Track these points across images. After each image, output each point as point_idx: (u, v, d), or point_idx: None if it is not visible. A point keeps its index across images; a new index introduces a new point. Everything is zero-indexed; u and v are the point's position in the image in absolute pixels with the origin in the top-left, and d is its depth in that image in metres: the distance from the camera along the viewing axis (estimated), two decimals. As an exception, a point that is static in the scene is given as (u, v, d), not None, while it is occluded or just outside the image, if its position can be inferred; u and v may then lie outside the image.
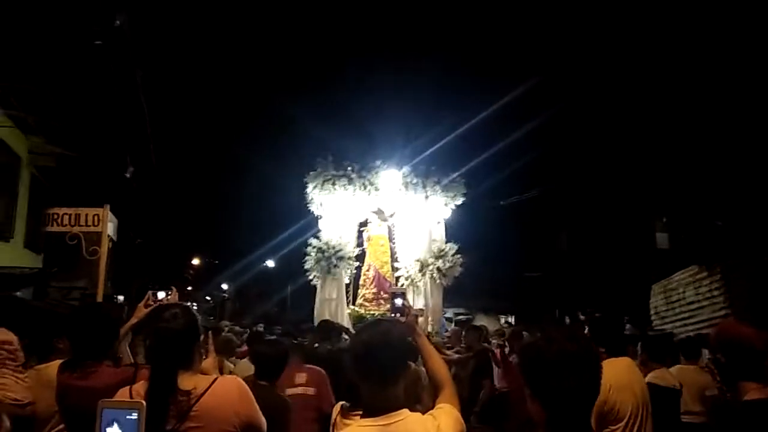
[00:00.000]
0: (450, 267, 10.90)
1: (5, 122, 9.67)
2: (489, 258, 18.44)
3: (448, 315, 12.90)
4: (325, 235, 11.08)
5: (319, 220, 11.51)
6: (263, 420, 2.54)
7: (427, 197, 11.15)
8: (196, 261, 38.02)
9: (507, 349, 7.82)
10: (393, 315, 2.60)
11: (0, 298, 4.86)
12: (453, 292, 12.14)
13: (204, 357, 2.89)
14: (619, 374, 3.34)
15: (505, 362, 7.42)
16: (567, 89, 17.31)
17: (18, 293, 5.59)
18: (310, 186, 11.22)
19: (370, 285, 11.33)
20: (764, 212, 13.73)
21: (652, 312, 10.50)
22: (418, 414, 2.08)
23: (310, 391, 4.83)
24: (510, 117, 17.59)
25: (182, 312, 2.53)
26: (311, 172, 11.23)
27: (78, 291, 6.22)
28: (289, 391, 4.61)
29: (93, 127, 10.21)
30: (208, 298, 40.67)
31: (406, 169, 11.13)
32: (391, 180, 10.97)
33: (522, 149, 18.78)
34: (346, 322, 10.05)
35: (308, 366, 5.09)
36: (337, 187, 10.95)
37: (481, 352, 7.56)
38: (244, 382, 2.56)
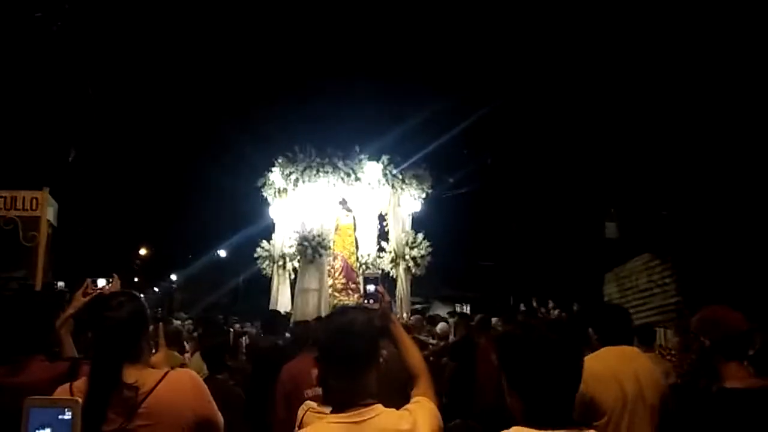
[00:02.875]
0: (423, 256, 11.07)
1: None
2: (442, 247, 18.54)
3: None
4: (307, 224, 10.90)
5: (271, 211, 11.35)
6: (220, 416, 2.36)
7: (403, 189, 11.22)
8: (143, 251, 36.96)
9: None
10: (366, 302, 2.45)
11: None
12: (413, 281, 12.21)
13: (154, 350, 2.67)
14: (602, 365, 3.19)
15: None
16: (520, 81, 17.45)
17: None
18: (277, 172, 10.99)
19: (338, 275, 11.27)
20: (708, 202, 14.24)
21: (606, 299, 10.72)
22: (393, 410, 1.94)
23: None
24: (462, 109, 17.63)
25: (129, 300, 2.31)
26: (279, 159, 11.00)
27: (16, 281, 5.78)
28: (309, 392, 3.82)
29: (36, 109, 9.67)
30: (155, 289, 39.63)
31: (385, 159, 11.11)
32: (372, 171, 10.89)
33: (473, 140, 18.92)
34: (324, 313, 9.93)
35: None
36: (320, 175, 10.76)
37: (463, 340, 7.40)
38: (197, 376, 2.37)
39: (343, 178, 10.92)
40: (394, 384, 2.40)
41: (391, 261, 11.00)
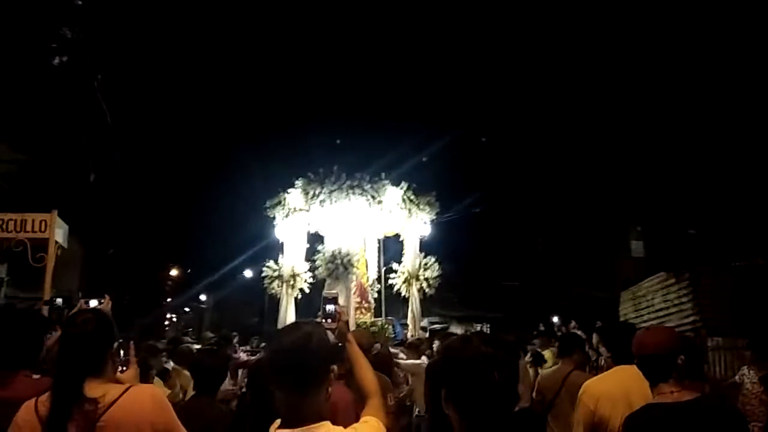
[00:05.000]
0: (435, 278, 11.12)
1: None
2: (465, 267, 18.46)
3: (422, 324, 12.85)
4: (333, 243, 11.03)
5: (275, 232, 11.52)
6: (183, 431, 2.40)
7: (417, 213, 11.38)
8: (174, 272, 37.49)
9: None
10: (324, 320, 2.49)
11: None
12: (428, 301, 12.22)
13: (123, 368, 2.73)
14: (612, 384, 3.22)
15: None
16: (546, 100, 17.42)
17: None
18: (296, 192, 11.15)
19: (353, 294, 11.35)
20: (735, 220, 13.92)
21: (621, 319, 10.49)
22: (340, 428, 1.95)
23: None
24: (486, 128, 17.69)
25: (94, 317, 2.40)
26: (300, 179, 11.17)
27: (26, 301, 5.97)
28: None
29: (57, 134, 10.04)
30: (186, 309, 40.14)
31: (404, 184, 11.28)
32: (393, 195, 11.05)
33: (499, 160, 18.89)
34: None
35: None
36: (349, 196, 10.93)
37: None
38: (160, 392, 2.42)
39: (369, 202, 11.05)
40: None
41: (405, 281, 11.07)
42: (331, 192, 10.97)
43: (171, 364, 6.39)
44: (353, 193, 10.97)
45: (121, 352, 2.75)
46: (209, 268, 29.58)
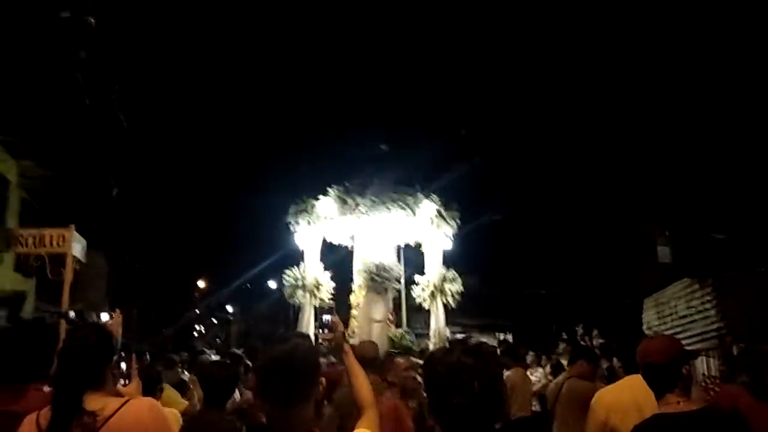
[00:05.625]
0: (460, 292, 11.10)
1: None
2: (487, 276, 18.35)
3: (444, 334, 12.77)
4: (366, 256, 11.01)
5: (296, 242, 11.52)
6: None
7: (442, 226, 11.35)
8: (201, 284, 37.96)
9: None
10: (321, 331, 2.51)
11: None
12: (450, 311, 12.14)
13: (126, 381, 2.78)
14: (623, 394, 3.20)
15: None
16: (570, 107, 17.31)
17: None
18: (327, 200, 11.09)
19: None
20: (764, 224, 13.58)
21: (644, 327, 10.27)
22: None
23: None
24: (509, 136, 17.63)
25: (94, 331, 2.44)
26: (334, 188, 11.11)
27: (51, 313, 6.13)
28: None
29: (81, 150, 10.29)
30: (214, 320, 40.58)
31: (435, 197, 11.26)
32: (428, 208, 11.05)
33: (522, 167, 18.79)
34: (385, 345, 9.89)
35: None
36: (389, 207, 10.92)
37: None
38: (159, 405, 2.44)
39: (407, 214, 11.04)
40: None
41: (431, 294, 10.97)
42: (373, 202, 10.92)
43: (187, 376, 6.46)
44: (394, 205, 10.92)
45: (123, 365, 2.81)
46: (235, 279, 29.94)
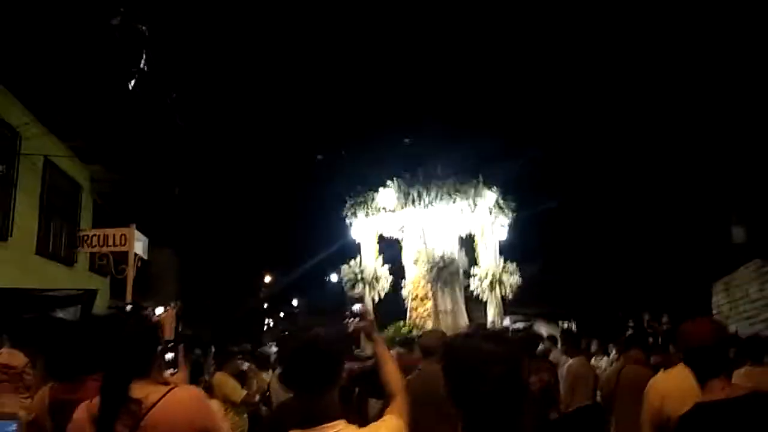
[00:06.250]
0: (518, 284, 10.99)
1: (66, 153, 10.35)
2: (547, 263, 17.96)
3: (505, 323, 12.60)
4: (429, 247, 11.08)
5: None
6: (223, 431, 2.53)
7: (499, 216, 11.25)
8: (268, 278, 38.92)
9: None
10: (351, 319, 2.54)
11: (33, 319, 5.15)
12: (511, 301, 11.97)
13: (174, 370, 2.91)
14: (678, 381, 3.06)
15: None
16: (636, 83, 16.68)
17: (61, 314, 5.92)
18: (387, 192, 11.13)
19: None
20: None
21: (714, 311, 9.79)
22: (355, 427, 1.98)
23: None
24: (574, 116, 17.18)
25: (139, 322, 2.57)
26: (395, 179, 11.14)
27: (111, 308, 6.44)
28: None
29: (146, 154, 10.75)
30: (281, 314, 41.60)
31: (495, 188, 11.17)
32: (489, 199, 11.02)
33: (585, 148, 18.24)
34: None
35: None
36: (454, 199, 10.96)
37: None
38: (203, 393, 2.54)
39: (470, 205, 11.00)
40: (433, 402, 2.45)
41: (489, 285, 10.84)
42: (437, 193, 10.91)
43: (246, 366, 6.70)
44: (457, 196, 10.88)
45: (170, 355, 2.94)
46: (298, 273, 30.58)
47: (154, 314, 3.46)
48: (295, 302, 39.02)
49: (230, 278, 25.59)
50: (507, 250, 11.45)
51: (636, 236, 19.68)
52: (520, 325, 14.27)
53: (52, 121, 9.65)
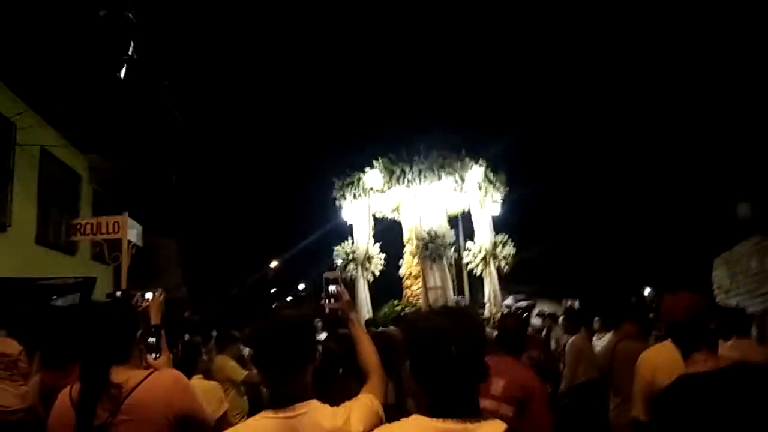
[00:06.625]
0: (513, 255, 10.94)
1: (62, 143, 10.35)
2: (549, 241, 17.97)
3: (507, 302, 12.63)
4: (417, 225, 11.10)
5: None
6: (206, 413, 2.54)
7: (491, 191, 11.18)
8: (274, 263, 38.98)
9: None
10: (326, 300, 2.55)
11: (29, 308, 5.19)
12: (511, 279, 12.00)
13: (156, 355, 2.93)
14: (665, 354, 3.07)
15: None
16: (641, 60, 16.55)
17: (59, 302, 5.97)
18: (373, 173, 11.11)
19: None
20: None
21: (715, 286, 9.76)
22: (327, 406, 2.00)
23: (506, 410, 3.19)
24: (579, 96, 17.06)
25: (118, 307, 2.58)
26: (380, 159, 11.10)
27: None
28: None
29: (146, 143, 10.74)
30: (288, 298, 41.74)
31: (482, 162, 11.11)
32: (475, 174, 10.94)
33: (588, 122, 18.16)
34: None
35: (515, 365, 3.58)
36: (440, 176, 10.92)
37: None
38: (182, 376, 2.56)
39: (457, 181, 10.96)
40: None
41: (482, 260, 10.87)
42: (420, 171, 10.87)
43: (247, 352, 6.73)
44: (444, 173, 10.83)
45: (153, 339, 2.96)
46: (300, 257, 30.68)
47: (145, 300, 3.50)
48: (301, 286, 39.10)
49: (235, 265, 25.72)
50: (509, 229, 11.45)
51: (643, 214, 19.63)
52: (523, 303, 14.32)
53: (47, 111, 9.65)
